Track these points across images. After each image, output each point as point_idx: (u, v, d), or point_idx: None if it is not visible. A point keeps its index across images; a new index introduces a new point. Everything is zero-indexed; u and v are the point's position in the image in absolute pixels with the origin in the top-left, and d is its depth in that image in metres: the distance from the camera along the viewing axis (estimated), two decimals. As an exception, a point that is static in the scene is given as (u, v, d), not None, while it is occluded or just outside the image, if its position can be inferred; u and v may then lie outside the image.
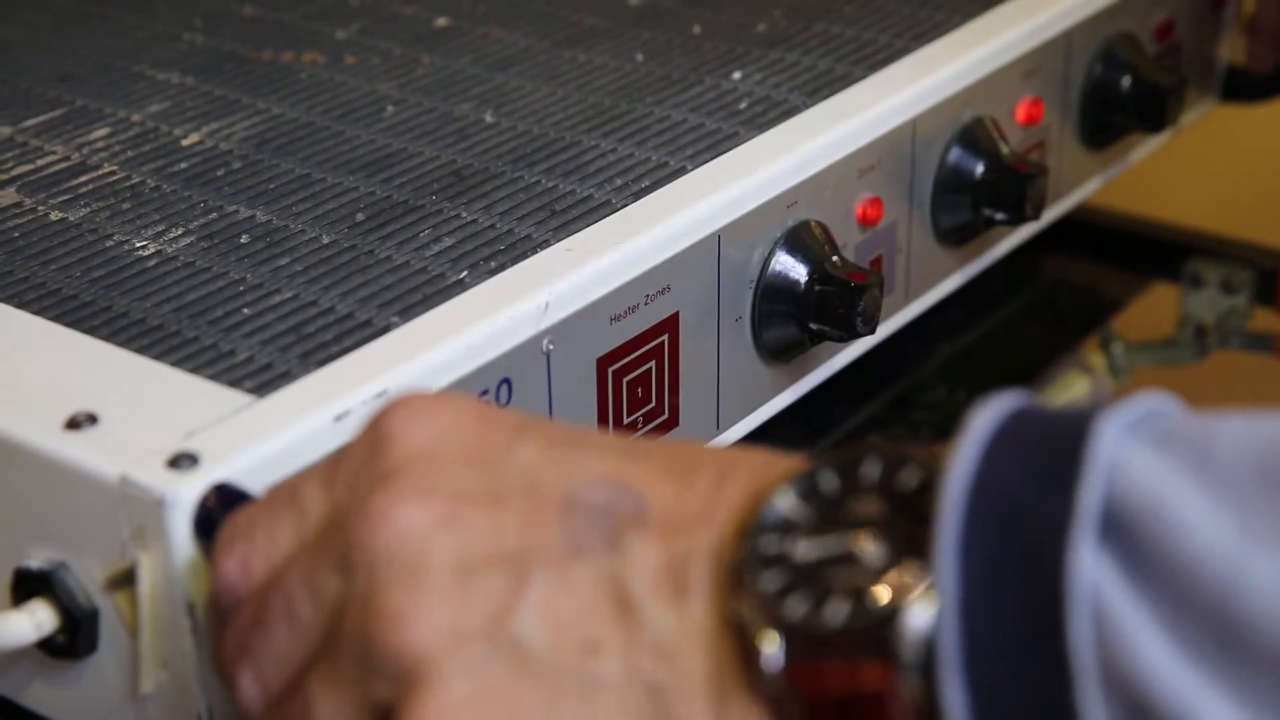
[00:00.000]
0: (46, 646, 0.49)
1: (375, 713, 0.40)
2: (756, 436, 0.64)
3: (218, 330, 0.53)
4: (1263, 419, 0.37)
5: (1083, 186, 0.79)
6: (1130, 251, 0.91)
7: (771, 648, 0.37)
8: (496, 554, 0.39)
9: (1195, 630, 0.34)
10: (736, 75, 0.69)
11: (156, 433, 0.48)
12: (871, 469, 0.39)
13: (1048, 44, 0.73)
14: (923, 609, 0.36)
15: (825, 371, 0.66)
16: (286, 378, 0.50)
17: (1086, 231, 0.90)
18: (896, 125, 0.66)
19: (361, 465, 0.41)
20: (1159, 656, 0.35)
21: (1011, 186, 0.68)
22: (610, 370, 0.57)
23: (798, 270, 0.62)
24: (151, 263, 0.57)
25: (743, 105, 0.66)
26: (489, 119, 0.66)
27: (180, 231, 0.59)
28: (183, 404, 0.49)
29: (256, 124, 0.66)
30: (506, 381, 0.53)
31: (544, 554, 0.39)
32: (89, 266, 0.57)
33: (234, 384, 0.50)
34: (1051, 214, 0.76)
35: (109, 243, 0.58)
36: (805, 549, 0.38)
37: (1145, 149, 0.82)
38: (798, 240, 0.62)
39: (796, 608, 0.37)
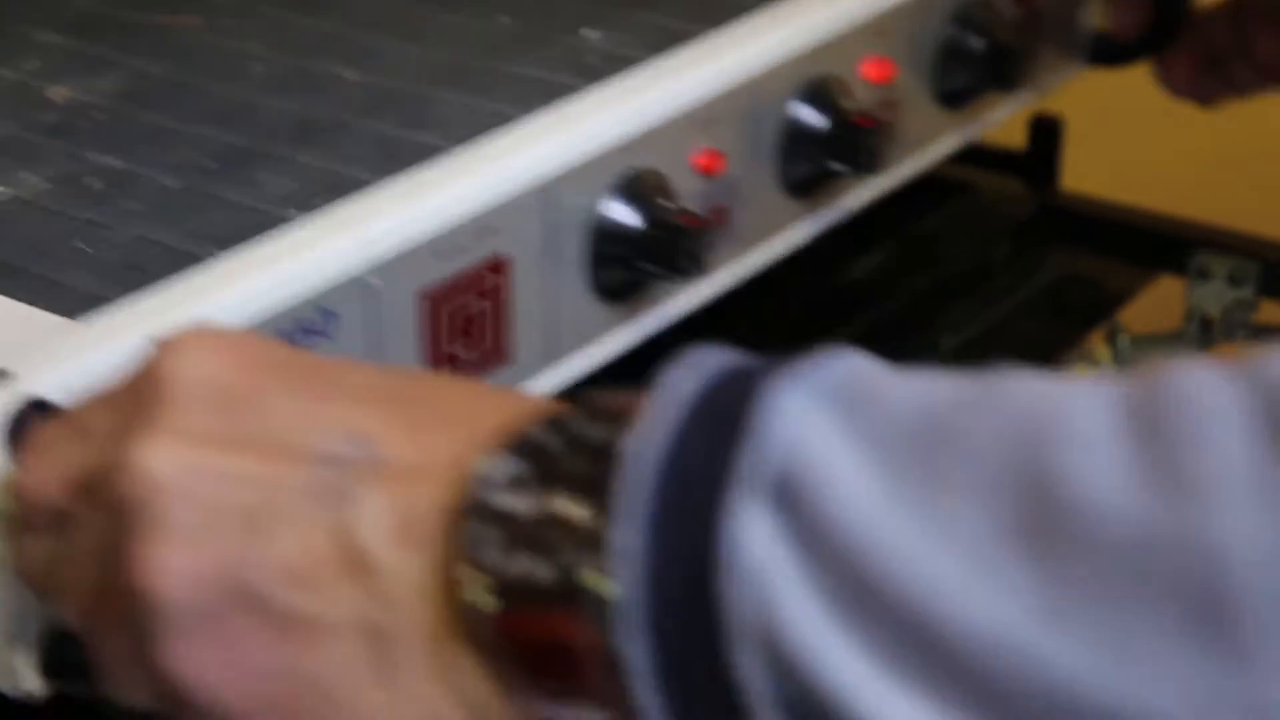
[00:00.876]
0: None
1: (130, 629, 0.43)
2: (603, 376, 0.67)
3: (50, 263, 0.56)
4: (940, 379, 0.39)
5: (938, 143, 0.82)
6: (1136, 244, 0.92)
7: (481, 600, 0.40)
8: (235, 503, 0.42)
9: (838, 590, 0.37)
10: (589, 33, 0.72)
11: None
12: (584, 427, 0.41)
13: (899, 6, 0.76)
14: (610, 570, 0.39)
15: (662, 314, 0.69)
16: (106, 305, 0.53)
17: (1092, 224, 0.92)
18: (738, 80, 0.69)
19: (132, 400, 0.44)
20: (807, 617, 0.37)
21: (851, 140, 0.71)
22: (438, 307, 0.60)
23: (630, 216, 0.65)
24: (-1, 204, 0.60)
25: (591, 60, 0.69)
26: (349, 75, 0.69)
27: (35, 178, 0.62)
28: (5, 327, 0.52)
29: (126, 80, 0.70)
30: (330, 314, 0.56)
31: (280, 503, 0.42)
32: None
33: (56, 310, 0.53)
34: (905, 170, 0.79)
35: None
36: (520, 506, 0.40)
37: (1005, 109, 0.85)
38: (631, 188, 0.65)
39: (505, 563, 0.40)
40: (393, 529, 0.41)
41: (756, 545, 0.37)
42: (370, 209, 0.58)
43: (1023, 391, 0.38)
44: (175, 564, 0.42)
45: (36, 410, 0.49)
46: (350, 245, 0.57)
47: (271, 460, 0.42)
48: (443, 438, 0.43)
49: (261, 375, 0.44)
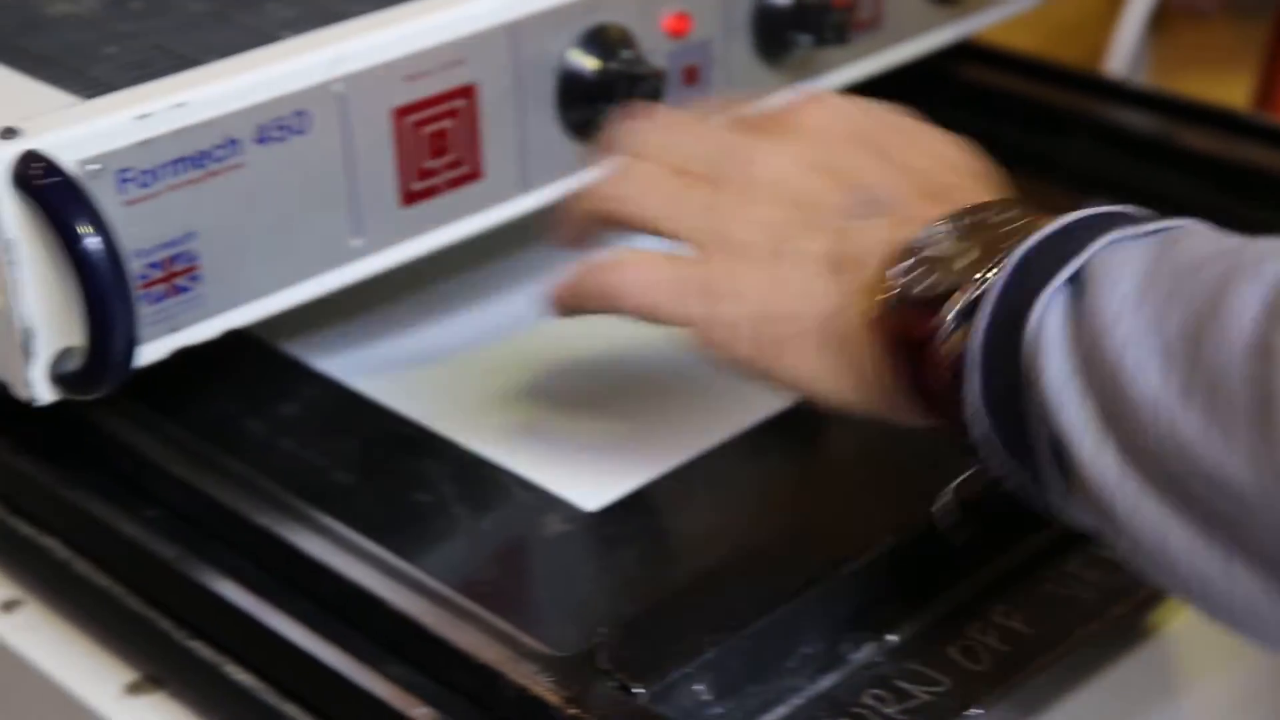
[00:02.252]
0: None
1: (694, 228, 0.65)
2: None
3: (81, 60, 0.69)
4: (1227, 238, 0.53)
5: (927, 35, 0.91)
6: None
7: (885, 300, 0.59)
8: (806, 200, 0.64)
9: (1081, 356, 0.52)
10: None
11: (1, 118, 0.64)
12: (996, 213, 0.59)
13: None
14: (963, 296, 0.56)
15: (626, 152, 0.79)
16: (111, 90, 0.66)
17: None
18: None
19: (772, 128, 0.66)
20: (1059, 375, 0.52)
21: (818, 15, 0.81)
22: (408, 120, 0.72)
23: (592, 63, 0.76)
24: (57, 15, 0.73)
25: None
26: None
27: (93, 0, 0.75)
28: (32, 102, 0.66)
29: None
30: (304, 114, 0.68)
31: (829, 210, 0.63)
32: (9, 17, 0.74)
33: (72, 92, 0.66)
34: (889, 58, 0.89)
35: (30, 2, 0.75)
36: (934, 249, 0.58)
37: (1003, 7, 0.94)
38: (595, 38, 0.76)
39: (908, 277, 0.58)
40: (874, 249, 0.61)
41: (1049, 319, 0.53)
42: (346, 31, 0.70)
43: (1265, 246, 0.51)
44: (753, 212, 0.64)
45: (34, 160, 0.62)
46: (323, 59, 0.69)
47: (839, 188, 0.64)
48: (932, 207, 0.61)
49: (863, 135, 0.65)
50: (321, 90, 0.69)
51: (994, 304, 0.55)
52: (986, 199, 0.61)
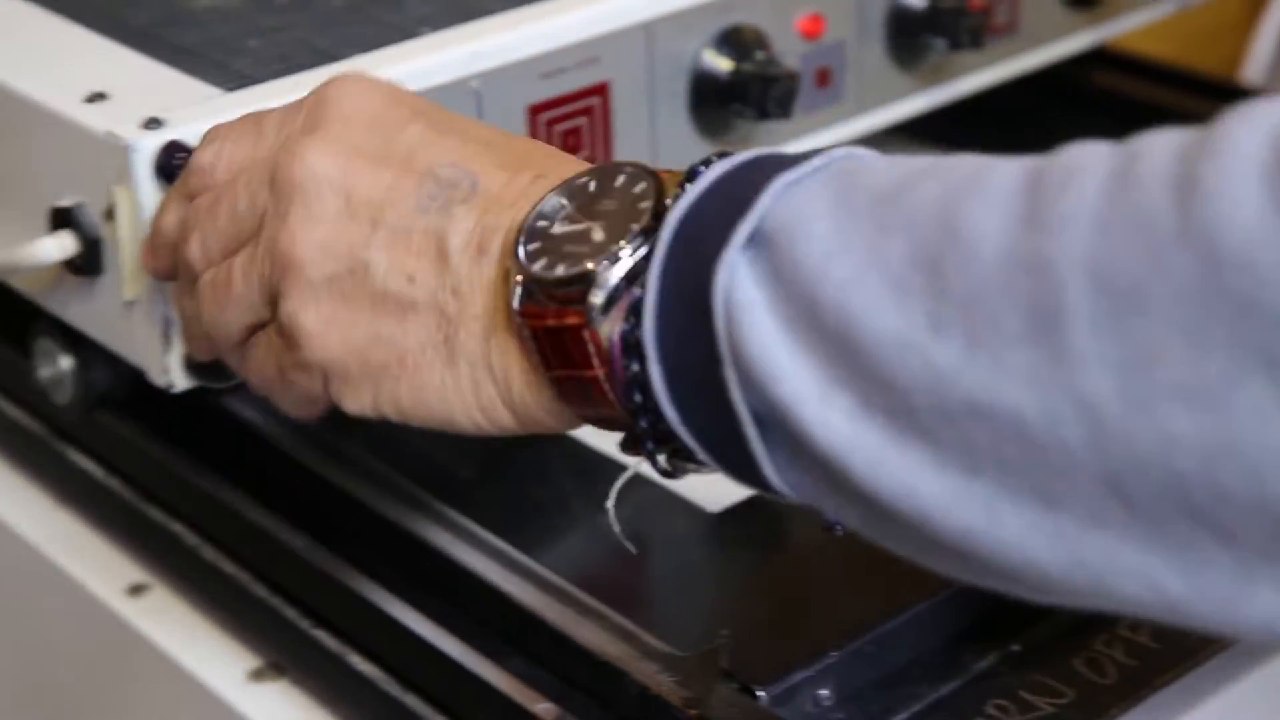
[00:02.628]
0: (73, 267, 0.67)
1: (268, 294, 0.57)
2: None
3: (224, 53, 0.70)
4: (919, 159, 0.48)
5: (1063, 40, 0.90)
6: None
7: (517, 295, 0.53)
8: (368, 201, 0.55)
9: (793, 315, 0.47)
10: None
11: (147, 108, 0.65)
12: (623, 180, 0.53)
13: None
14: (612, 273, 0.51)
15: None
16: (254, 83, 0.67)
17: None
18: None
19: (304, 114, 0.58)
20: (769, 339, 0.47)
21: (953, 18, 0.81)
22: (542, 117, 0.72)
23: (726, 64, 0.76)
24: (202, 9, 0.74)
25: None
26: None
27: (237, -5, 0.76)
28: (176, 94, 0.67)
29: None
30: (439, 110, 0.69)
31: (399, 208, 0.55)
32: (156, 9, 0.75)
33: (215, 84, 0.68)
34: (1025, 63, 0.88)
35: (178, -1, 0.77)
36: (559, 228, 0.52)
37: (1143, 13, 0.93)
38: (729, 38, 0.76)
39: (538, 266, 0.52)
40: (472, 241, 0.54)
41: (739, 284, 0.48)
42: (483, 28, 0.71)
43: (968, 163, 0.47)
44: (318, 236, 0.55)
45: (177, 150, 0.63)
46: (460, 55, 0.69)
47: (400, 175, 0.55)
48: (526, 180, 0.55)
49: (404, 111, 0.58)
50: (459, 86, 0.69)
51: (659, 280, 0.49)
52: (583, 164, 0.56)
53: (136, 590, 0.73)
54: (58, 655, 0.80)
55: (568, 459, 0.73)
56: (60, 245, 0.66)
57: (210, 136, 0.61)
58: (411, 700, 0.63)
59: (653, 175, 0.53)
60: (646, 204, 0.51)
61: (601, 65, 0.73)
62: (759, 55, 0.76)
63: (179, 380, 0.66)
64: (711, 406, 0.49)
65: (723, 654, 0.58)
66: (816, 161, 0.49)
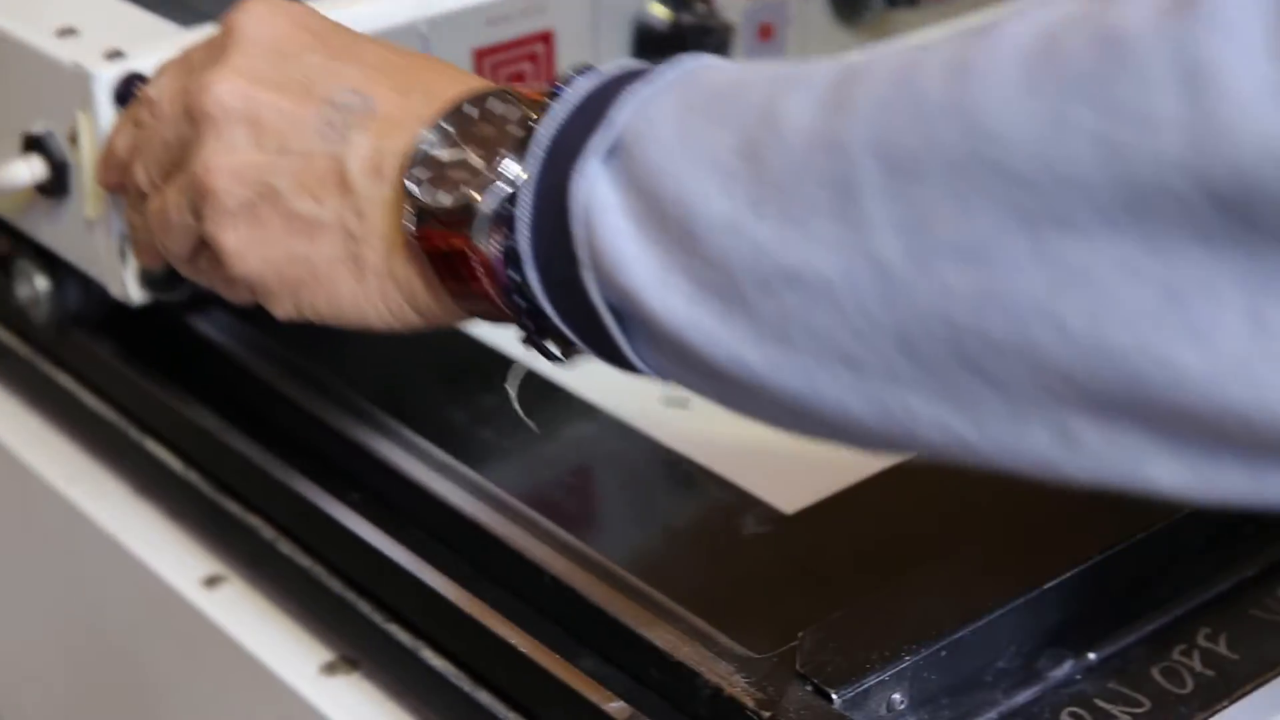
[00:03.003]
0: (43, 190, 0.74)
1: (198, 219, 0.63)
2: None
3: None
4: (742, 65, 0.54)
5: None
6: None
7: (409, 220, 0.58)
8: (272, 128, 0.61)
9: (641, 212, 0.52)
10: None
11: (111, 43, 0.71)
12: (497, 105, 0.58)
13: None
14: (491, 200, 0.56)
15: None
16: (210, 20, 0.73)
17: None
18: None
19: (216, 46, 0.63)
20: (619, 236, 0.53)
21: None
22: (487, 61, 0.76)
23: (666, 14, 0.79)
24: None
25: None
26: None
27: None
28: (140, 30, 0.75)
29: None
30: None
31: (302, 134, 0.60)
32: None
33: (177, 21, 0.75)
34: (965, 23, 0.89)
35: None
36: (444, 154, 0.58)
37: None
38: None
39: (425, 194, 0.58)
40: (369, 164, 0.60)
41: (597, 196, 0.53)
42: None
43: (801, 65, 0.52)
44: (229, 164, 0.61)
45: (137, 80, 0.70)
46: (408, 1, 0.74)
47: (300, 101, 0.61)
48: (418, 101, 0.60)
49: (306, 37, 0.62)
50: (408, 31, 0.74)
51: (533, 195, 0.55)
52: (469, 87, 0.60)
53: (211, 582, 0.74)
54: (132, 645, 0.80)
55: (643, 459, 0.73)
56: (30, 169, 0.73)
57: (159, 70, 0.67)
58: (483, 696, 0.63)
59: (520, 98, 0.58)
60: (515, 128, 0.57)
61: (547, 14, 0.77)
62: (699, 7, 0.79)
63: (135, 294, 0.73)
64: (580, 304, 0.55)
65: (798, 656, 0.58)
66: (670, 74, 0.54)
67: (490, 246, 0.57)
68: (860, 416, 0.51)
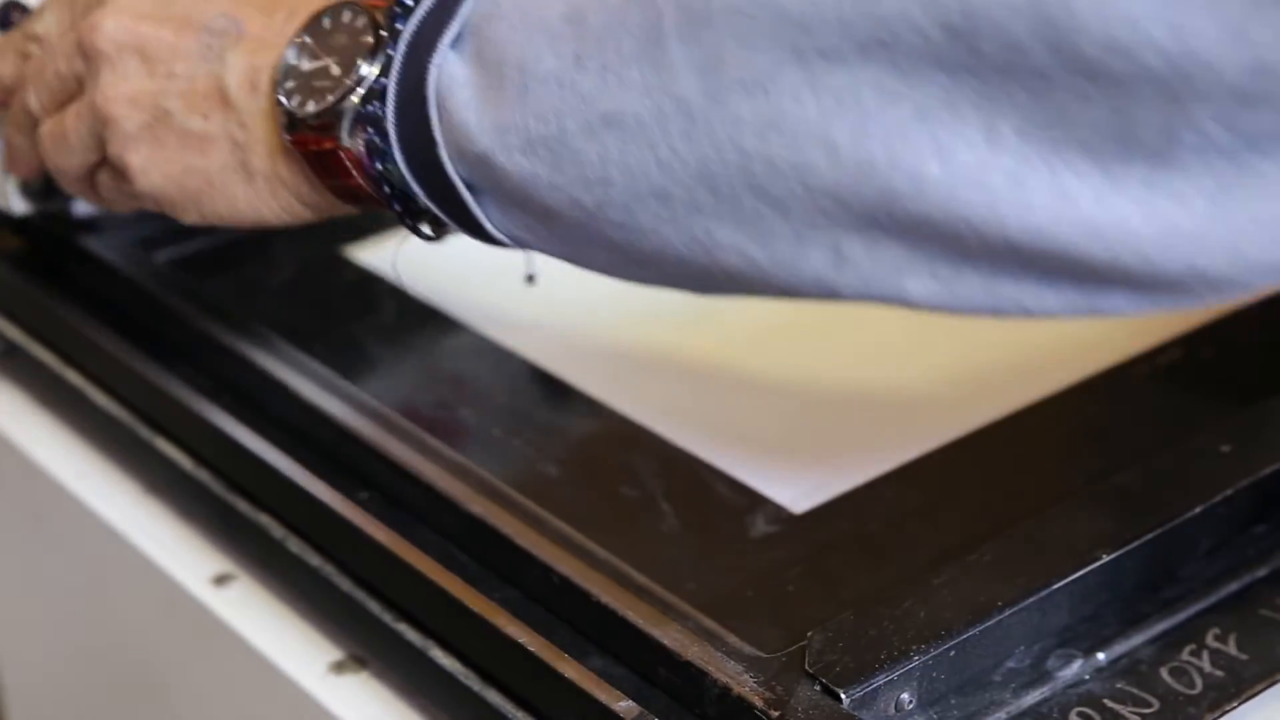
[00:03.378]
0: None
1: (97, 143, 0.71)
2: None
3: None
4: None
5: None
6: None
7: (284, 127, 0.66)
8: (158, 57, 0.69)
9: (486, 81, 0.60)
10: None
11: None
12: (347, 15, 0.65)
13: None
14: (351, 103, 0.64)
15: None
16: None
17: None
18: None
19: None
20: (469, 108, 0.60)
21: None
22: None
23: None
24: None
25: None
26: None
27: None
28: None
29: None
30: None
31: (185, 59, 0.68)
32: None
33: None
34: None
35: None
36: (306, 65, 0.66)
37: None
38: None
39: (294, 103, 0.66)
40: (245, 80, 0.68)
41: (447, 71, 0.61)
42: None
43: None
44: (123, 92, 0.69)
45: (15, 8, 0.77)
46: None
47: (180, 31, 0.69)
48: (282, 20, 0.67)
49: None
50: None
51: (398, 88, 0.62)
52: (325, 2, 0.66)
53: (221, 580, 0.74)
54: (141, 643, 0.80)
55: (652, 458, 0.73)
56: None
57: (43, 6, 0.73)
58: (492, 695, 0.63)
59: (366, 6, 0.65)
60: (367, 36, 0.64)
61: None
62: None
63: (18, 206, 0.80)
64: (442, 182, 0.62)
65: (807, 655, 0.58)
66: None
67: (356, 144, 0.64)
68: (674, 247, 0.58)
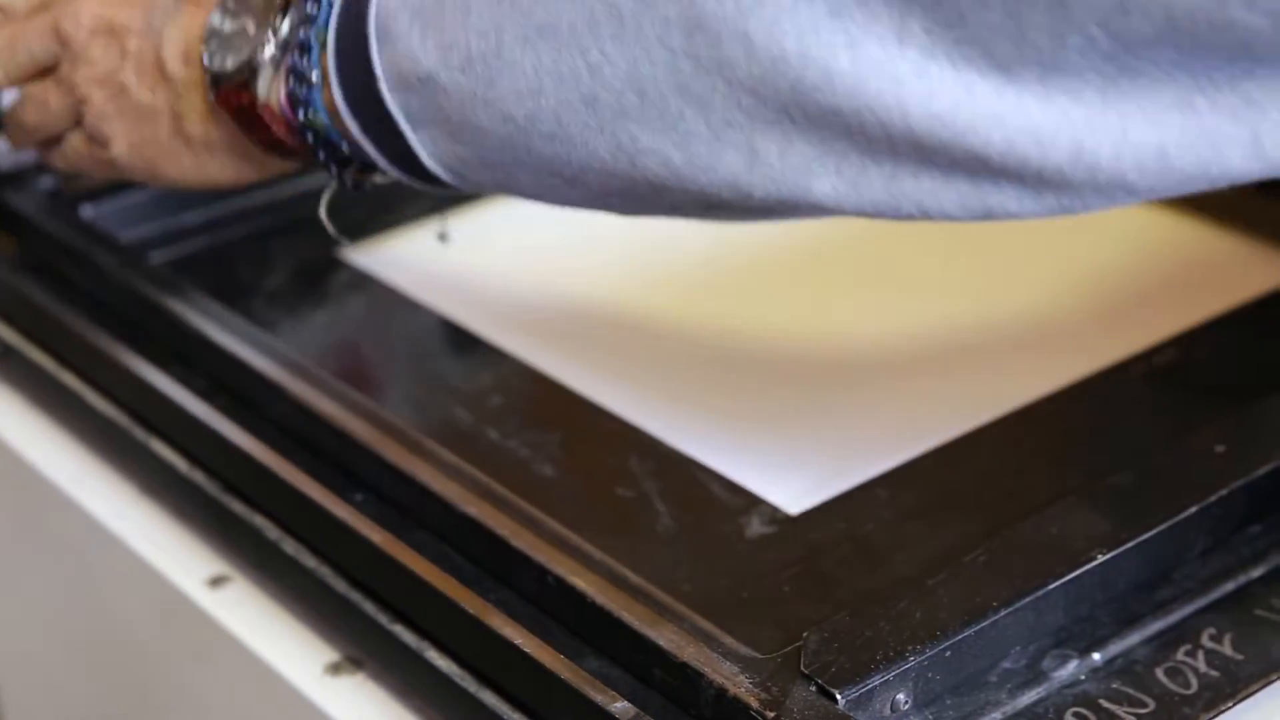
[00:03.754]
0: None
1: (74, 114, 0.77)
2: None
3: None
4: None
5: None
6: None
7: (209, 86, 0.72)
8: (119, 36, 0.74)
9: (429, 8, 0.63)
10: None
11: None
12: None
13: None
14: (265, 55, 0.69)
15: None
16: None
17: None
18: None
19: None
20: (408, 35, 0.64)
21: None
22: None
23: None
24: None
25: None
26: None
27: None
28: None
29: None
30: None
31: (135, 36, 0.74)
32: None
33: None
34: None
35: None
36: (227, 26, 0.71)
37: None
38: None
39: (215, 63, 0.71)
40: (180, 51, 0.73)
41: (384, 8, 0.65)
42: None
43: None
44: (96, 73, 0.75)
45: None
46: None
47: (133, 10, 0.74)
48: None
49: None
50: None
51: (337, 26, 0.66)
52: None
53: (216, 582, 0.74)
54: (137, 644, 0.80)
55: (647, 459, 0.73)
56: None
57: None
58: (488, 697, 0.63)
59: None
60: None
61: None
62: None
63: None
64: (379, 115, 0.66)
65: (802, 656, 0.58)
66: None
67: (278, 95, 0.69)
68: (599, 156, 0.61)
